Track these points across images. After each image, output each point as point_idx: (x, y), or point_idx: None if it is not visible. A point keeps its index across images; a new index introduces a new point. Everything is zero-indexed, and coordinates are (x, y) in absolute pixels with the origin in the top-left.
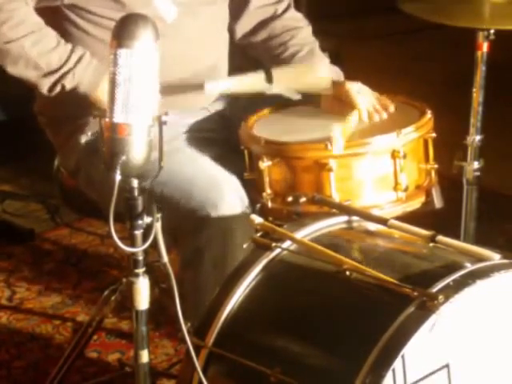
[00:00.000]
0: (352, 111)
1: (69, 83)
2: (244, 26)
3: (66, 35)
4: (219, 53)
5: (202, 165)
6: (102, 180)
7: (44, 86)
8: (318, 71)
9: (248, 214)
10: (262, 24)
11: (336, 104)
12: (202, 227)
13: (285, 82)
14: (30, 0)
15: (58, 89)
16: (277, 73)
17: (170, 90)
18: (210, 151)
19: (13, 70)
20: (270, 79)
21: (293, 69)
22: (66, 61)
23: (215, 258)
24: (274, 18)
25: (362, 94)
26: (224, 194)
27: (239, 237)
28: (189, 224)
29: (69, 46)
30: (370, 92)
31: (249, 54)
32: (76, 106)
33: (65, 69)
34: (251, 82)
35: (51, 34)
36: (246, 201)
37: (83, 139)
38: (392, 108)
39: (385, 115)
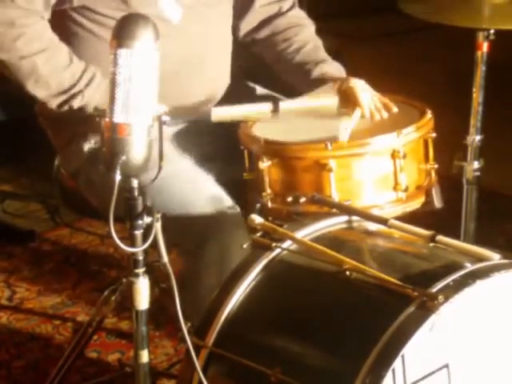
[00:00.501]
0: (355, 108)
1: (77, 104)
2: (248, 23)
3: (72, 36)
4: (223, 53)
5: (202, 187)
6: (102, 181)
7: (53, 104)
8: (325, 99)
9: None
10: (266, 21)
11: (341, 97)
12: (201, 229)
13: (291, 113)
14: (45, 13)
15: (66, 107)
16: (284, 105)
17: (176, 111)
18: (210, 151)
19: (23, 85)
20: (276, 110)
21: (300, 101)
22: (77, 81)
23: (215, 257)
24: (278, 15)
25: (366, 91)
26: (223, 228)
27: (239, 237)
28: (188, 229)
29: (81, 66)
30: (373, 91)
31: (251, 50)
32: (78, 111)
33: (75, 90)
34: (257, 112)
35: (64, 51)
36: (243, 225)
37: (86, 147)
38: (395, 109)
39: (386, 114)
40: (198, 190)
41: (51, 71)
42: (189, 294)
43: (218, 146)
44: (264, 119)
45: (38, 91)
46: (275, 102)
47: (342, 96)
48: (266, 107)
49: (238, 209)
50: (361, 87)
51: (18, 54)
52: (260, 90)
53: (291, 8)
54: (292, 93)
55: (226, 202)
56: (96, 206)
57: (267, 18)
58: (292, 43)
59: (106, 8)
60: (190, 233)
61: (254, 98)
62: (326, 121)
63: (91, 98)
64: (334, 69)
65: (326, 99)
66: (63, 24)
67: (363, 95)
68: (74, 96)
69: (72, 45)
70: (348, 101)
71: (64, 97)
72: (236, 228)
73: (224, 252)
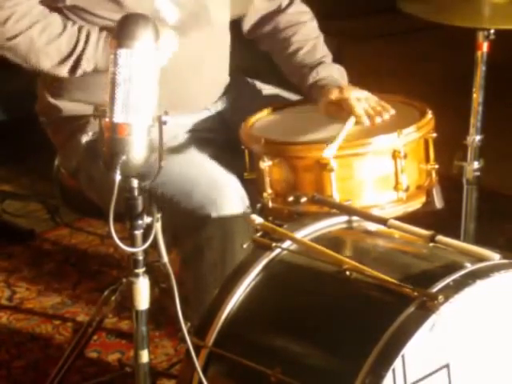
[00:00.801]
0: (348, 116)
1: (87, 66)
2: (249, 20)
3: None
4: (221, 53)
5: (202, 165)
6: (102, 180)
7: (62, 72)
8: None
9: (248, 213)
10: (267, 18)
11: (333, 108)
12: (202, 227)
13: None
14: None
15: (79, 71)
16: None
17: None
18: (211, 151)
19: (27, 65)
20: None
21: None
22: (76, 44)
23: (215, 257)
24: (278, 12)
25: (361, 100)
26: (224, 194)
27: (239, 237)
28: (189, 224)
29: (75, 27)
30: (369, 96)
31: (260, 48)
32: (76, 108)
33: (76, 52)
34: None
35: (57, 20)
36: (246, 201)
37: (84, 139)
38: (392, 111)
39: (386, 116)
40: (197, 167)
41: (47, 41)
42: (189, 294)
43: (219, 145)
44: (263, 116)
45: (42, 64)
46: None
47: (337, 105)
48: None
49: (235, 179)
50: (354, 97)
51: (11, 33)
52: (265, 88)
53: (290, 4)
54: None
55: (225, 179)
56: (97, 203)
57: (268, 15)
58: (290, 44)
59: (101, 9)
60: (190, 233)
61: (255, 95)
62: (326, 121)
63: (96, 57)
64: (332, 71)
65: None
66: None
67: (358, 106)
68: (78, 59)
69: None
70: (343, 109)
71: (69, 62)
72: (238, 206)
73: (225, 252)
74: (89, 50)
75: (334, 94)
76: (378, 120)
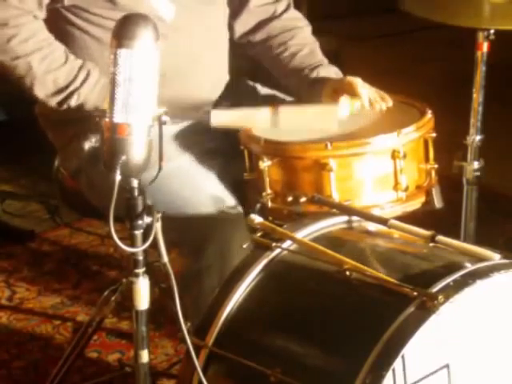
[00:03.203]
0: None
1: (74, 102)
2: (243, 24)
3: (65, 35)
4: (219, 52)
5: (203, 186)
6: (102, 181)
7: (52, 103)
8: (326, 106)
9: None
10: (262, 24)
11: (337, 98)
12: (201, 252)
13: (291, 121)
14: (39, 13)
15: (64, 106)
16: (284, 111)
17: (173, 112)
18: (210, 150)
19: (21, 85)
20: (276, 118)
21: (300, 108)
22: (73, 80)
23: (216, 258)
24: (273, 18)
25: (364, 87)
26: (224, 228)
27: (238, 237)
28: (187, 237)
29: (77, 63)
30: (370, 87)
31: (248, 53)
32: (78, 110)
33: (71, 88)
34: (257, 118)
35: (59, 50)
36: (244, 225)
37: (87, 145)
38: (390, 102)
39: (384, 106)
40: (199, 188)
41: (46, 70)
42: (189, 295)
43: (219, 144)
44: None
45: (36, 90)
46: (275, 106)
47: (340, 93)
48: (265, 112)
49: (239, 209)
50: (359, 83)
51: (13, 54)
52: (262, 89)
53: (286, 10)
54: (293, 92)
55: (228, 201)
56: (96, 206)
57: (262, 21)
58: (287, 47)
59: (97, 7)
60: (190, 233)
61: (255, 96)
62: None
63: (88, 96)
64: (331, 72)
65: (326, 106)
66: (58, 24)
67: (362, 90)
68: (71, 94)
69: (67, 45)
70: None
71: (62, 95)
72: (237, 228)
73: (225, 252)
74: (84, 89)
75: (338, 82)
76: (377, 107)
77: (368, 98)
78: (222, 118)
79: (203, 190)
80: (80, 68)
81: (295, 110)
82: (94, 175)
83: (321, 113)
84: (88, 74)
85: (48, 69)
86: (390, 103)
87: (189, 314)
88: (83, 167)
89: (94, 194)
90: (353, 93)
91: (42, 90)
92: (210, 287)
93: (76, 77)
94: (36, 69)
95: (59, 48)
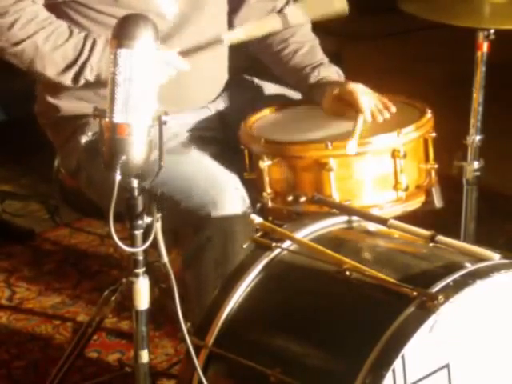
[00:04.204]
0: (356, 114)
1: (90, 75)
2: (243, 20)
3: None
4: (219, 50)
5: (202, 164)
6: (102, 180)
7: (67, 81)
8: (270, 21)
9: (249, 213)
10: None
11: (337, 104)
12: (202, 227)
13: (300, 16)
14: None
15: (81, 81)
16: (291, 10)
17: (187, 52)
18: (210, 150)
19: (32, 71)
20: (285, 19)
21: (305, 2)
22: (81, 51)
23: (216, 257)
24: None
25: (365, 95)
26: (225, 192)
27: (240, 236)
28: (189, 223)
29: (82, 35)
30: (372, 93)
31: (248, 50)
32: (76, 108)
33: (81, 60)
34: (267, 25)
35: (63, 26)
36: (247, 200)
37: (83, 139)
38: (393, 109)
39: (387, 115)
40: (196, 164)
41: (53, 47)
42: (189, 295)
43: (218, 144)
44: (263, 117)
45: (48, 70)
46: (281, 11)
47: (339, 100)
48: (274, 18)
49: (235, 177)
50: (360, 91)
51: (17, 39)
52: (262, 83)
53: (285, 6)
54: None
55: (224, 176)
56: (97, 204)
57: (262, 17)
58: (288, 45)
59: (98, 3)
60: (190, 233)
61: (254, 93)
62: (326, 121)
63: (100, 65)
64: (332, 72)
65: (271, 21)
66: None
67: (363, 99)
68: (83, 67)
69: None
70: (346, 105)
71: (74, 70)
72: (238, 228)
73: (225, 251)
74: (93, 58)
75: (339, 89)
76: (379, 119)
77: (370, 109)
78: (233, 36)
79: (201, 165)
80: (85, 38)
81: (301, 6)
82: (93, 172)
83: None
84: (94, 43)
85: (54, 45)
86: (393, 109)
87: (190, 292)
88: (82, 164)
89: (93, 191)
90: (353, 102)
91: (53, 68)
92: (212, 260)
93: (83, 47)
94: (42, 48)
95: (62, 24)
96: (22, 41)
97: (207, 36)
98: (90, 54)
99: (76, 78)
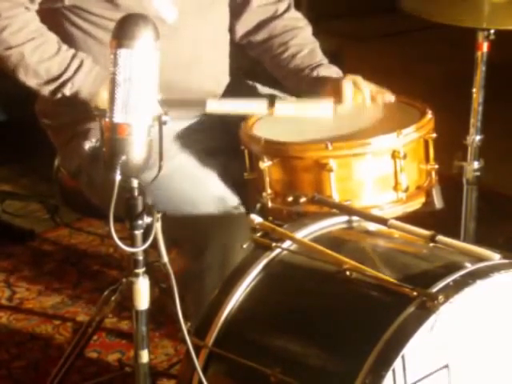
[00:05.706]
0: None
1: (68, 91)
2: (245, 24)
3: (66, 36)
4: (220, 53)
5: (205, 184)
6: (102, 181)
7: (45, 92)
8: (322, 103)
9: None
10: (263, 24)
11: (339, 92)
12: (203, 248)
13: (286, 112)
14: (31, 5)
15: (59, 95)
16: (280, 104)
17: (169, 103)
18: (211, 154)
19: (14, 75)
20: (272, 108)
21: (296, 103)
22: (66, 69)
23: (218, 258)
24: (274, 17)
25: (364, 83)
26: (226, 228)
27: (240, 237)
28: (189, 235)
29: (70, 53)
30: (371, 84)
31: (249, 54)
32: (77, 111)
33: (64, 77)
34: (253, 108)
35: (52, 40)
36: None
37: (87, 145)
38: (392, 97)
39: (387, 97)
40: (200, 186)
41: (39, 60)
42: (190, 294)
43: (220, 144)
44: (262, 117)
45: (29, 80)
46: (272, 99)
47: (337, 94)
48: (262, 105)
49: (242, 208)
50: (359, 80)
51: (6, 45)
52: (262, 88)
53: (287, 10)
54: (292, 93)
55: (230, 201)
56: (97, 205)
57: (264, 21)
58: (288, 47)
59: (98, 8)
60: (192, 232)
61: (254, 95)
62: (326, 121)
63: (81, 85)
64: (331, 72)
65: (323, 103)
66: (59, 24)
67: (363, 84)
68: (63, 84)
69: (68, 45)
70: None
71: (54, 85)
72: (239, 228)
73: (227, 252)
74: (77, 78)
75: (338, 81)
76: (379, 99)
77: (369, 91)
78: (216, 106)
79: (205, 188)
80: (73, 57)
81: (292, 100)
82: (95, 174)
83: (317, 102)
84: (81, 63)
85: (41, 59)
86: (392, 98)
87: (190, 314)
88: (84, 167)
89: (94, 193)
90: (339, 89)
91: (35, 79)
92: (212, 286)
93: (69, 66)
94: (28, 58)
95: (52, 38)
96: (10, 47)
97: (207, 39)
98: (75, 74)
99: (54, 92)
